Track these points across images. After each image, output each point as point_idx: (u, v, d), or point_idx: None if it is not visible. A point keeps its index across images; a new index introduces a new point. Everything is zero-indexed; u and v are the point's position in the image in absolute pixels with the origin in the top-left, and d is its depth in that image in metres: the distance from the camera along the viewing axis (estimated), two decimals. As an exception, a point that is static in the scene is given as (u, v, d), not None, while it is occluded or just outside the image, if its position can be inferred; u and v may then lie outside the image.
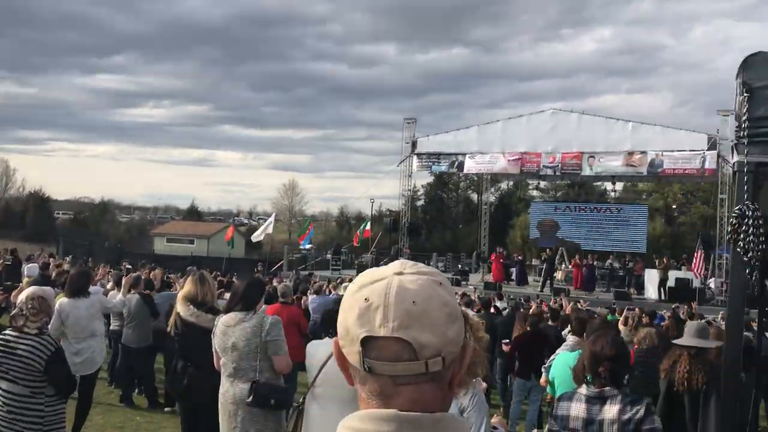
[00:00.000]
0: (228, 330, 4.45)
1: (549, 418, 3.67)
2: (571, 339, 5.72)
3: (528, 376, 8.93)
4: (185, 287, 5.07)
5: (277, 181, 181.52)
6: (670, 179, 30.92)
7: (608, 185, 48.75)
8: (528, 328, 9.41)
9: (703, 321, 7.72)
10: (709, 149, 24.99)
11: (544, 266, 28.42)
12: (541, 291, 26.95)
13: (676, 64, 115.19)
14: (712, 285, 26.25)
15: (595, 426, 3.31)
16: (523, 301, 17.71)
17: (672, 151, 25.58)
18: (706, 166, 25.05)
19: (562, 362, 4.96)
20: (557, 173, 28.31)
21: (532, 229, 34.91)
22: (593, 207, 34.58)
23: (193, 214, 77.05)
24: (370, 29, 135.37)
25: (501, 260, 28.99)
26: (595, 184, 53.36)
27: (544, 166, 27.94)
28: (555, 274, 28.42)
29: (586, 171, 27.39)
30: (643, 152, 26.05)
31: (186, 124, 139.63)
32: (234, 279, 16.76)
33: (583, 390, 3.44)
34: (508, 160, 28.34)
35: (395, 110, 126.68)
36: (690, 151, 25.30)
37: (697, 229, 57.61)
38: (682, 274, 26.52)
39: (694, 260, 24.27)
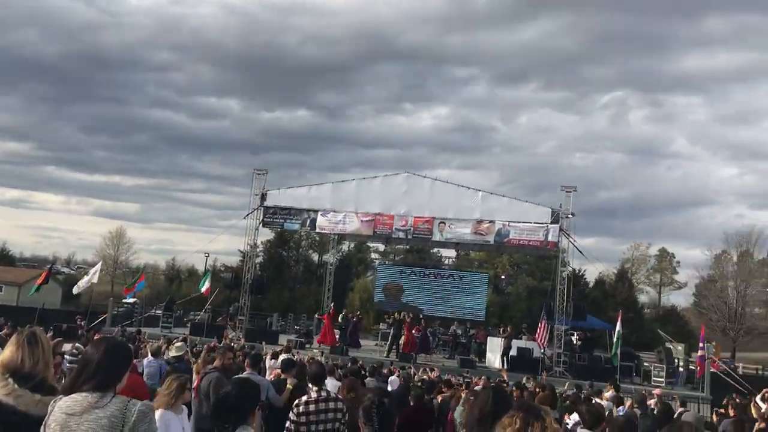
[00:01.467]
0: (70, 421, 2.94)
1: None
2: None
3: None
4: (5, 351, 3.39)
5: (102, 229, 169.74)
6: (514, 249, 31.70)
7: (444, 252, 49.95)
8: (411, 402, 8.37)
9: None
10: (552, 222, 25.95)
11: (391, 331, 27.76)
12: (387, 356, 26.20)
13: (504, 146, 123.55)
14: (546, 352, 26.84)
15: None
16: (411, 371, 16.79)
17: (518, 222, 26.30)
18: (549, 238, 25.95)
19: None
20: (409, 237, 28.13)
21: (377, 292, 34.43)
22: (437, 273, 34.87)
23: (4, 258, 68.93)
24: (215, 82, 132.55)
25: (333, 321, 28.21)
26: (432, 250, 54.64)
27: (396, 229, 27.63)
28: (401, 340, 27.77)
29: (437, 236, 27.42)
30: (492, 221, 26.56)
31: (4, 162, 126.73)
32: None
33: None
34: (362, 221, 27.71)
35: (235, 164, 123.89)
36: (535, 223, 26.14)
37: (522, 300, 60.77)
38: (522, 343, 26.96)
39: (539, 330, 24.72)
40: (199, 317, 32.27)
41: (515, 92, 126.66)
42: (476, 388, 12.31)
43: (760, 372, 33.47)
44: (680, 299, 71.00)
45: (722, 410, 18.74)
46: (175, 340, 17.83)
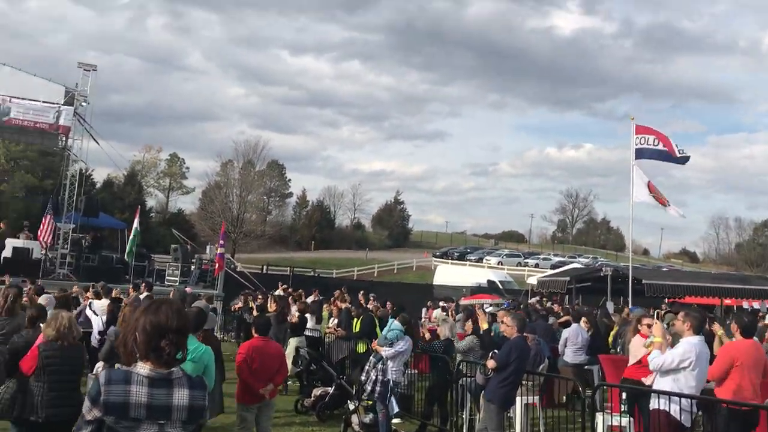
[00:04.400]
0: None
1: (91, 408, 2.73)
2: None
3: None
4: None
5: None
6: (15, 132, 26.22)
7: None
8: None
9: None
10: (65, 104, 22.28)
11: None
12: None
13: (7, 30, 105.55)
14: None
15: (163, 413, 2.77)
16: None
17: (23, 98, 21.81)
18: (61, 122, 22.27)
19: None
20: None
21: None
22: None
23: None
24: None
25: None
26: None
27: None
28: None
29: None
30: (-13, 94, 21.47)
31: None
32: None
33: (143, 371, 2.78)
34: None
35: None
36: (45, 102, 22.05)
37: (19, 200, 53.77)
38: (20, 243, 22.92)
39: (42, 226, 21.12)
40: None
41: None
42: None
43: (263, 271, 35.95)
44: (187, 204, 72.79)
45: (239, 305, 19.02)
46: None
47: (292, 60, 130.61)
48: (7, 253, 21.86)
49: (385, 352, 8.44)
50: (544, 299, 24.35)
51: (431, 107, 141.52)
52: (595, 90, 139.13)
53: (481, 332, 9.52)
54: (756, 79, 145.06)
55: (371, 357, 8.79)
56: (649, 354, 6.27)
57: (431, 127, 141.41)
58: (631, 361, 7.84)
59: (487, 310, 15.81)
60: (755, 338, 7.72)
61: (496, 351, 7.59)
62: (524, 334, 7.73)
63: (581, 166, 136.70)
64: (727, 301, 23.61)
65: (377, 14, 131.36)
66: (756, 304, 23.08)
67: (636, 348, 7.71)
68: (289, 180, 79.40)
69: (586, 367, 11.84)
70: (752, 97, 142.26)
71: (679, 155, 17.32)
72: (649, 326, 7.45)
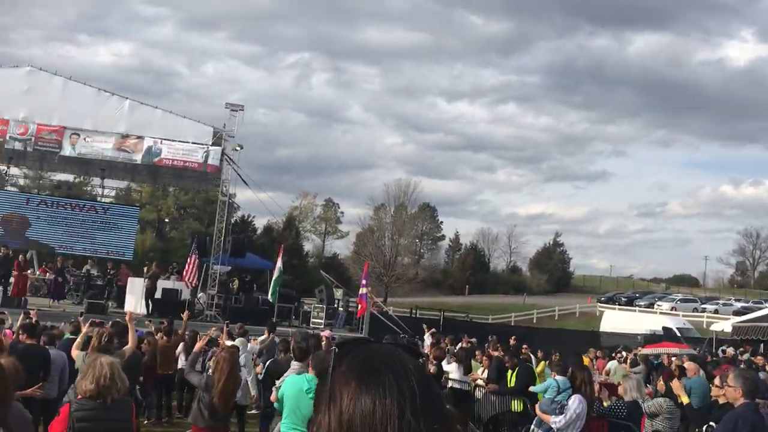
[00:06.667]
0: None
1: None
2: (295, 365, 6.21)
3: None
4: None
5: None
6: (167, 172, 26.72)
7: (98, 183, 42.61)
8: None
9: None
10: (213, 144, 22.29)
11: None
12: None
13: (188, 93, 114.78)
14: (202, 298, 23.50)
15: None
16: None
17: (173, 140, 22.07)
18: (209, 161, 22.25)
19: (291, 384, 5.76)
20: (29, 148, 21.92)
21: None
22: (74, 204, 28.79)
23: None
24: None
25: None
26: (87, 187, 46.89)
27: (11, 137, 21.31)
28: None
29: (67, 150, 21.80)
30: (140, 137, 21.92)
31: None
32: None
33: None
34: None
35: None
36: (193, 143, 22.19)
37: (187, 246, 56.50)
38: (170, 284, 23.03)
39: (188, 266, 20.99)
40: None
41: (202, 40, 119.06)
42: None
43: (411, 314, 34.59)
44: (342, 249, 73.55)
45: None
46: None
47: (447, 106, 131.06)
48: (159, 294, 22.00)
49: (556, 422, 6.29)
50: (739, 349, 20.59)
51: (592, 147, 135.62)
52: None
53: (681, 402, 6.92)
54: None
55: (533, 425, 6.69)
56: None
57: (593, 167, 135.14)
58: None
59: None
60: None
61: (713, 424, 5.27)
62: (755, 400, 5.34)
63: (761, 204, 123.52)
64: None
65: (534, 56, 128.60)
66: None
67: None
68: (441, 222, 78.02)
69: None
70: None
71: None
72: None
